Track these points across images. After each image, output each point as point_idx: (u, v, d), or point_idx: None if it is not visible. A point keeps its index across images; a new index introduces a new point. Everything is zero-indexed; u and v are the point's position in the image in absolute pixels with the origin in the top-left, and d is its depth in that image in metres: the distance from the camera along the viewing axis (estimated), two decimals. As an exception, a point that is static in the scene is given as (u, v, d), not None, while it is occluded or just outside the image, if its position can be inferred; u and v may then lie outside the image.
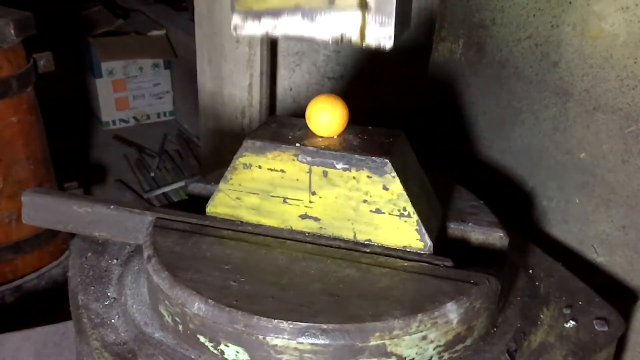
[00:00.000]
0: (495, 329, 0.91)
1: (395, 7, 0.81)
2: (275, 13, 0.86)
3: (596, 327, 0.93)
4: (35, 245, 2.02)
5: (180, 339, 0.87)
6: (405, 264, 0.90)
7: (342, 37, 0.85)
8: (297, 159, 0.93)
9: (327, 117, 0.94)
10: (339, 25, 0.84)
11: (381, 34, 0.83)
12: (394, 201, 0.90)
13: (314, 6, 0.84)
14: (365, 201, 0.92)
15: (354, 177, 0.91)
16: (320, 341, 0.77)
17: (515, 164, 1.42)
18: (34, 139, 1.97)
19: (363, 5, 0.82)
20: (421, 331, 0.79)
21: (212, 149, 2.04)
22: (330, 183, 0.92)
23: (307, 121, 0.96)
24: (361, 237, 0.94)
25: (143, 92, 3.51)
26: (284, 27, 0.87)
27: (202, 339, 0.83)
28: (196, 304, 0.82)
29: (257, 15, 0.87)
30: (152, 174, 3.01)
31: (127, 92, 3.46)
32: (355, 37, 0.84)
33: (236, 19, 0.88)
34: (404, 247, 0.92)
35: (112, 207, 1.03)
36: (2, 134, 1.85)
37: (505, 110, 1.41)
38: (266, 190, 0.96)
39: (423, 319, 0.79)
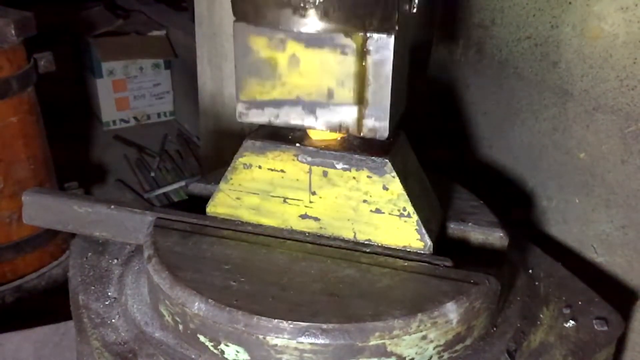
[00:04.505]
0: (495, 329, 0.91)
1: (390, 102, 0.86)
2: (277, 104, 0.91)
3: (596, 327, 0.93)
4: (36, 245, 2.02)
5: (180, 339, 0.87)
6: (405, 264, 0.90)
7: (340, 128, 0.89)
8: (297, 159, 0.93)
9: None
10: (337, 117, 0.89)
11: (377, 126, 0.88)
12: (394, 201, 0.90)
13: (313, 99, 0.89)
14: (365, 201, 0.92)
15: (354, 177, 0.91)
16: (320, 341, 0.77)
17: (515, 164, 1.42)
18: (34, 139, 1.98)
19: (360, 101, 0.87)
20: (421, 331, 0.79)
21: (212, 149, 2.04)
22: (330, 183, 0.93)
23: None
24: (361, 237, 0.94)
25: (143, 92, 3.51)
26: (285, 117, 0.91)
27: (202, 338, 0.83)
28: (196, 303, 0.82)
29: (260, 105, 0.92)
30: (152, 174, 3.01)
31: (128, 92, 3.47)
32: (352, 128, 0.89)
33: (241, 108, 0.93)
34: (404, 247, 0.92)
35: (112, 207, 1.03)
36: (2, 134, 1.85)
37: (505, 110, 1.41)
38: (266, 190, 0.96)
39: (423, 319, 0.79)
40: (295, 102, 0.90)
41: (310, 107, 0.89)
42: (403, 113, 0.96)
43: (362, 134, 0.89)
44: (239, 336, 0.80)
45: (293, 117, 0.91)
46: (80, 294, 0.99)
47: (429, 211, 0.96)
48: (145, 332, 0.90)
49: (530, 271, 1.06)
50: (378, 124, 0.87)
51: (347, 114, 0.88)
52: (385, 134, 0.88)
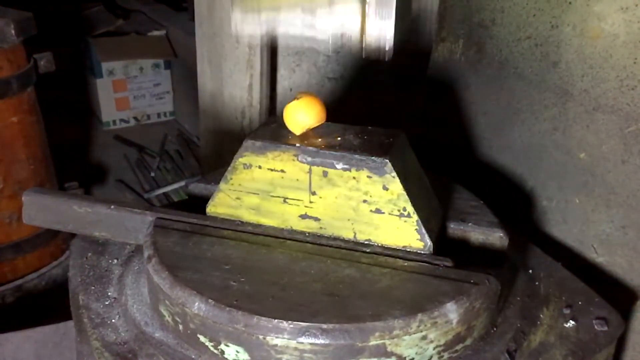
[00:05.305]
0: (495, 329, 0.91)
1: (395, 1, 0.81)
2: (276, 11, 0.86)
3: (596, 327, 0.93)
4: (36, 245, 2.02)
5: (180, 339, 0.87)
6: (405, 264, 0.90)
7: (342, 36, 0.85)
8: (297, 159, 0.93)
9: (291, 113, 0.96)
10: (339, 22, 0.84)
11: (382, 27, 0.82)
12: (394, 201, 0.90)
13: (314, 3, 0.84)
14: (365, 201, 0.92)
15: (354, 177, 0.91)
16: (320, 341, 0.77)
17: (515, 164, 1.42)
18: (34, 139, 1.98)
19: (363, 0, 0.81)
20: (421, 331, 0.79)
21: (212, 149, 2.04)
22: (330, 183, 0.93)
23: (289, 127, 0.97)
24: (361, 237, 0.94)
25: (143, 92, 3.51)
26: (285, 25, 0.86)
27: (202, 338, 0.83)
28: (196, 303, 0.82)
29: (258, 13, 0.87)
30: (153, 174, 3.01)
31: (128, 92, 3.46)
32: (355, 33, 0.83)
33: (237, 18, 0.88)
34: (404, 247, 0.92)
35: (112, 207, 1.03)
36: (3, 134, 1.85)
37: (505, 110, 1.41)
38: (266, 190, 0.96)
39: (423, 319, 0.79)
40: (294, 8, 0.84)
41: (311, 12, 0.84)
42: (409, 23, 0.89)
43: (365, 42, 0.83)
44: (239, 336, 0.80)
45: (292, 26, 0.85)
46: (80, 294, 0.99)
47: (429, 211, 0.96)
48: (145, 332, 0.90)
49: (530, 271, 1.06)
50: (383, 25, 0.81)
51: (350, 15, 0.82)
52: (390, 44, 0.83)
